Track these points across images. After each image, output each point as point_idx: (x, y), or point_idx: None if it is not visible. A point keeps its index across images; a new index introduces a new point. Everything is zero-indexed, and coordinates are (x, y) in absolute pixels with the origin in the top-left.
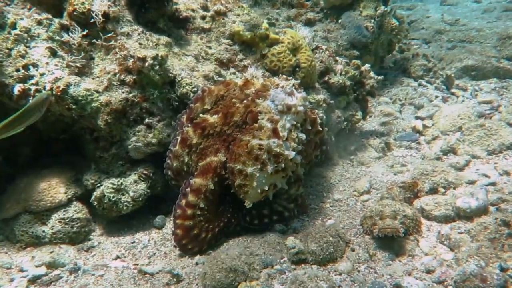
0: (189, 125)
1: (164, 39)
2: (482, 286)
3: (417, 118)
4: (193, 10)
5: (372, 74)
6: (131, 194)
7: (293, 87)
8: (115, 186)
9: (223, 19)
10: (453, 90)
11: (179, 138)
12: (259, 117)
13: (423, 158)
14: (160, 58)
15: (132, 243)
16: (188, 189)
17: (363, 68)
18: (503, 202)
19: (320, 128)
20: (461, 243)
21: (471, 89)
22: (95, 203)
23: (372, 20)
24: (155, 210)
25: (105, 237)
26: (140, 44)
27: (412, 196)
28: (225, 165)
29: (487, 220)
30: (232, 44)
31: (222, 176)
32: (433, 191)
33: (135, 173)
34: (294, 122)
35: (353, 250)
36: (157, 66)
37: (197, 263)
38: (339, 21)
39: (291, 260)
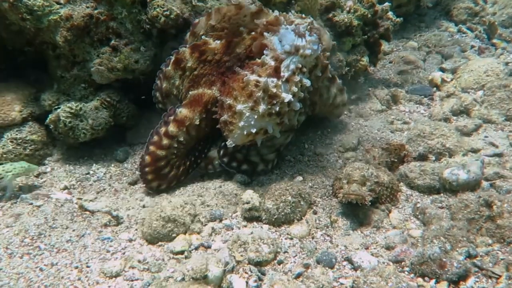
0: (186, 46)
1: None
2: (438, 273)
3: (441, 69)
4: None
5: (390, 14)
6: (90, 121)
7: (308, 28)
8: (72, 111)
9: None
10: (494, 41)
11: (172, 58)
12: (264, 52)
13: (430, 117)
14: None
15: (86, 174)
16: (171, 118)
17: (378, 7)
18: (499, 178)
19: (330, 75)
20: (433, 219)
21: None
22: (51, 126)
23: None
24: (122, 142)
25: (60, 164)
26: None
27: (396, 160)
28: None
29: (470, 198)
30: None
31: (210, 112)
32: (423, 157)
33: (97, 99)
34: (300, 65)
35: (315, 213)
36: None
37: (144, 206)
38: None
39: (243, 216)
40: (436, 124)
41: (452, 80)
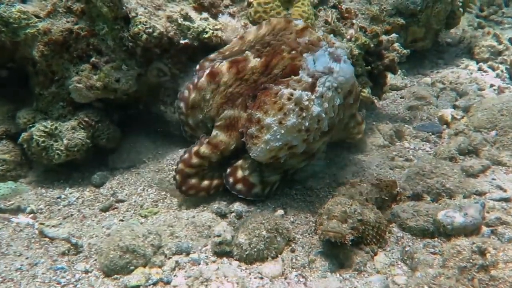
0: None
1: None
2: None
3: (453, 107)
4: None
5: (396, 45)
6: (65, 141)
7: (346, 55)
8: (47, 130)
9: None
10: None
11: (207, 70)
12: (300, 71)
13: (435, 155)
14: None
15: (57, 198)
16: (205, 140)
17: (384, 38)
18: (502, 224)
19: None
20: (421, 266)
21: None
22: (24, 145)
23: None
24: (103, 166)
25: (33, 187)
26: None
27: (388, 198)
28: None
29: (463, 244)
30: None
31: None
32: (418, 196)
33: (75, 119)
34: (335, 85)
35: (293, 251)
36: None
37: (109, 235)
38: None
39: (213, 251)
40: (437, 162)
41: (463, 117)
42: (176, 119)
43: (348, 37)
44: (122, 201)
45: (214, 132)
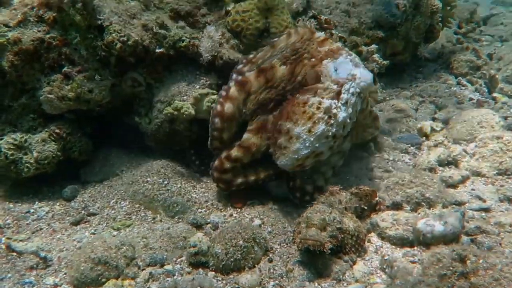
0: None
1: None
2: None
3: (433, 119)
4: None
5: (376, 57)
6: (35, 154)
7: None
8: (16, 142)
9: None
10: (494, 95)
11: (236, 80)
12: (322, 78)
13: (414, 166)
14: None
15: (26, 212)
16: (236, 145)
17: (364, 48)
18: (481, 233)
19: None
20: (399, 274)
21: None
22: None
23: None
24: (75, 179)
25: (1, 201)
26: None
27: (367, 207)
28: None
29: (443, 251)
30: None
31: None
32: (397, 206)
33: (46, 131)
34: (358, 90)
35: (270, 260)
36: (79, 4)
37: (80, 248)
38: None
39: (189, 261)
40: (417, 172)
41: (442, 129)
42: (151, 129)
43: None
44: (93, 214)
45: (245, 136)
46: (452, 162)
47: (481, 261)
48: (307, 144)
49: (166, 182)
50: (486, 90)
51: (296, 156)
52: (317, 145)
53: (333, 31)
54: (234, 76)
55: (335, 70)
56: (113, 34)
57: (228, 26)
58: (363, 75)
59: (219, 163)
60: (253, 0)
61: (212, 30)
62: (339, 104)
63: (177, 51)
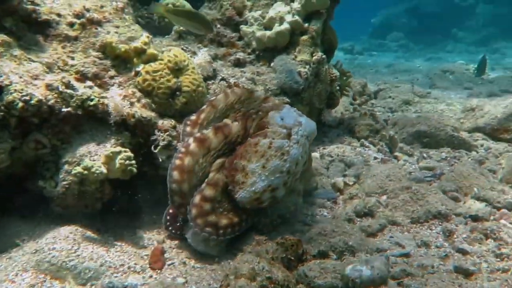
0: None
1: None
2: None
3: (345, 176)
4: (59, 15)
5: None
6: None
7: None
8: None
9: (96, 28)
10: (396, 154)
11: (195, 136)
12: (269, 126)
13: (333, 218)
14: None
15: None
16: (204, 185)
17: None
18: (407, 276)
19: None
20: None
21: (418, 155)
22: None
23: (307, 66)
24: None
25: None
26: None
27: (294, 258)
28: None
29: None
30: (104, 58)
31: None
32: (323, 254)
33: None
34: (306, 134)
35: None
36: None
37: None
38: (271, 64)
39: None
40: (338, 221)
41: (354, 183)
42: (58, 192)
43: None
44: None
45: (210, 175)
46: (368, 213)
47: None
48: (262, 178)
49: (76, 248)
50: (388, 150)
51: (253, 189)
52: (272, 178)
53: None
54: (186, 139)
55: (282, 119)
56: (14, 94)
57: (138, 86)
58: (308, 121)
59: (198, 208)
60: (163, 61)
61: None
62: (291, 143)
63: (86, 110)
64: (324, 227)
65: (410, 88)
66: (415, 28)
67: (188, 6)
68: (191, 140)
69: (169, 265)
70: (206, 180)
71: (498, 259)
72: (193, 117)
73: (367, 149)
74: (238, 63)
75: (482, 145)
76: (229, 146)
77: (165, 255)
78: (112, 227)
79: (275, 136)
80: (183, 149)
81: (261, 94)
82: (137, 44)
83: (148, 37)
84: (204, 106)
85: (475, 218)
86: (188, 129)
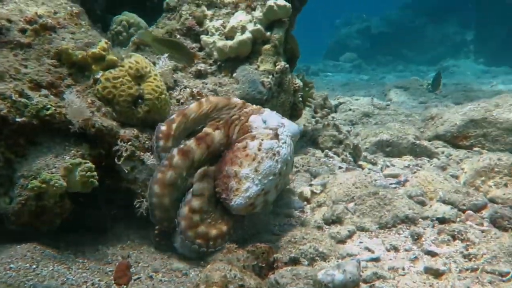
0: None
1: None
2: None
3: (311, 185)
4: (9, 21)
5: None
6: None
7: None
8: None
9: (51, 35)
10: (360, 163)
11: (178, 149)
12: (252, 130)
13: (302, 227)
14: None
15: None
16: (190, 196)
17: None
18: (378, 279)
19: None
20: None
21: (382, 164)
22: None
23: (270, 76)
24: None
25: None
26: None
27: (265, 265)
28: None
29: None
30: (59, 66)
31: None
32: (295, 261)
33: None
34: (290, 134)
35: None
36: None
37: None
38: (234, 75)
39: None
40: (307, 229)
41: (321, 192)
42: (13, 209)
43: None
44: None
45: (195, 186)
46: (337, 220)
47: None
48: (256, 182)
49: (34, 267)
50: (352, 160)
51: (248, 195)
52: (265, 182)
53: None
54: (163, 154)
55: (264, 122)
56: None
57: (98, 94)
58: (291, 123)
59: (187, 221)
60: (124, 67)
61: (73, 96)
62: (280, 143)
63: (42, 120)
64: (294, 235)
65: (369, 100)
66: (367, 48)
67: (143, 22)
68: (174, 152)
69: (135, 279)
70: (191, 190)
71: (466, 260)
72: (164, 128)
73: (331, 159)
74: (200, 75)
75: (443, 152)
76: (213, 155)
77: (131, 270)
78: (73, 244)
79: (263, 137)
80: (166, 162)
81: (238, 101)
82: (95, 50)
83: (107, 42)
84: (174, 116)
85: (442, 221)
86: (161, 143)
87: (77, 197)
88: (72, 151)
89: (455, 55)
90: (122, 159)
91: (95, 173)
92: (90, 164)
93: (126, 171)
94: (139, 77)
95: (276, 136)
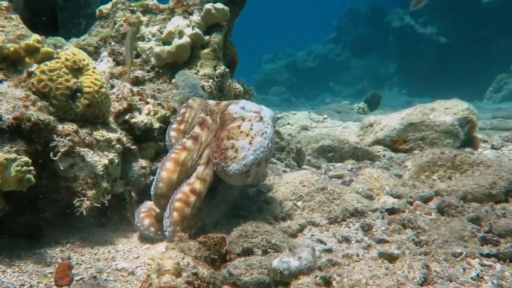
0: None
1: None
2: None
3: (257, 188)
4: None
5: None
6: None
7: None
8: None
9: None
10: (304, 167)
11: (190, 136)
12: (234, 116)
13: (253, 221)
14: None
15: None
16: (193, 179)
17: None
18: (334, 266)
19: None
20: None
21: (325, 168)
22: None
23: (211, 80)
24: None
25: None
26: None
27: (217, 257)
28: None
29: (306, 280)
30: None
31: None
32: (248, 252)
33: None
34: (270, 118)
35: None
36: None
37: None
38: (173, 80)
39: None
40: (258, 223)
41: (268, 191)
42: None
43: (147, 111)
44: None
45: (200, 169)
46: (286, 217)
47: (345, 279)
48: (251, 152)
49: None
50: (296, 164)
51: (245, 162)
52: (258, 153)
53: (148, 100)
54: (178, 141)
55: (243, 108)
56: None
57: (33, 88)
58: (268, 108)
59: (183, 204)
60: (60, 59)
61: (5, 87)
62: (265, 125)
63: None
64: (245, 229)
65: (307, 114)
66: (295, 82)
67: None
68: (185, 138)
69: (77, 280)
70: (196, 173)
71: (418, 246)
72: (179, 118)
73: (275, 164)
74: (137, 82)
75: (384, 156)
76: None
77: (72, 271)
78: (7, 247)
79: (251, 118)
80: (179, 146)
81: (213, 101)
82: (29, 41)
83: (40, 35)
84: (183, 110)
85: (392, 211)
86: (174, 133)
87: (11, 197)
88: (6, 147)
89: (380, 87)
90: (59, 154)
91: (31, 168)
92: (26, 159)
93: (62, 168)
94: (77, 70)
95: (261, 118)
